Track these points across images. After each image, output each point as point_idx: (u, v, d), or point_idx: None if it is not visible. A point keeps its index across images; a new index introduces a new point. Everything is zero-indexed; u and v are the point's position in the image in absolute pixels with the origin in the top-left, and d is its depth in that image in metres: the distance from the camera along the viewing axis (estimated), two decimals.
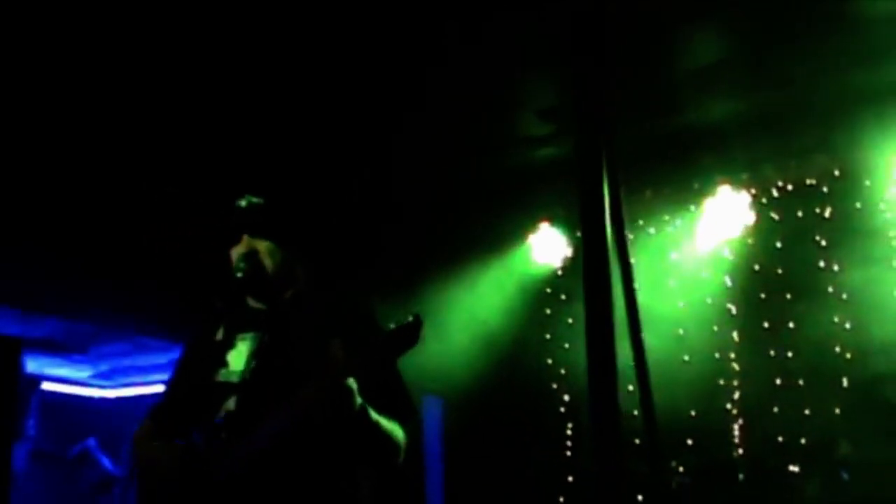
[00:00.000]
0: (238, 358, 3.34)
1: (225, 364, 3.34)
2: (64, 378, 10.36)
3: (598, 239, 1.57)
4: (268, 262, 3.37)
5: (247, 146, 6.66)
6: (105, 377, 10.55)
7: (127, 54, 5.80)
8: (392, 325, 3.01)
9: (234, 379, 3.29)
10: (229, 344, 3.38)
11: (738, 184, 7.76)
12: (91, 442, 7.40)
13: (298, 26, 5.74)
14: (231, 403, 3.25)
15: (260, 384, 3.26)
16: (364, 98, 6.56)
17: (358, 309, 3.45)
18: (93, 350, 9.63)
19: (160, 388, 9.97)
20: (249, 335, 3.39)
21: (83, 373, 10.36)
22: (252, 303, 3.47)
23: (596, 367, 1.50)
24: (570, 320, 8.42)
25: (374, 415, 3.15)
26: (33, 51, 5.67)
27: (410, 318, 3.00)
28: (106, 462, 7.60)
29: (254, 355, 3.32)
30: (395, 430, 3.28)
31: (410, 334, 3.00)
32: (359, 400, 3.06)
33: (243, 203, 3.38)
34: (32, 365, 9.54)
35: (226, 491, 3.11)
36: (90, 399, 10.77)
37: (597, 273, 1.55)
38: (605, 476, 1.45)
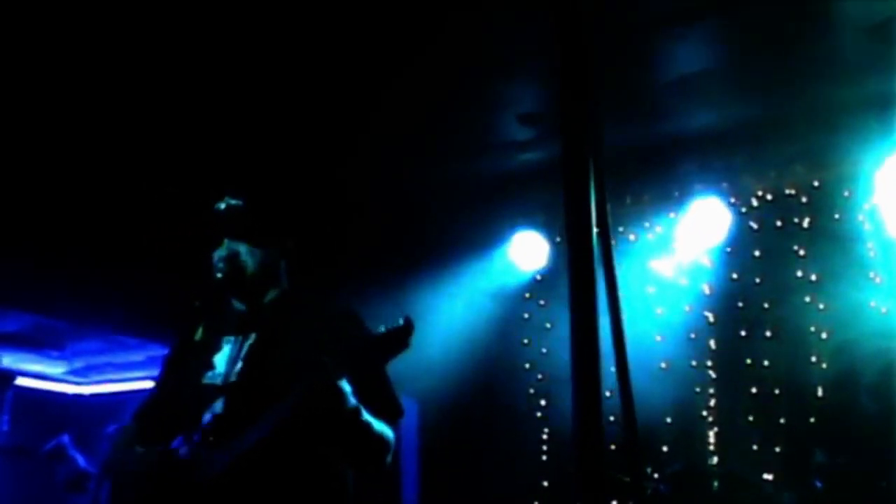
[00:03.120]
0: (223, 361, 3.33)
1: (211, 366, 3.33)
2: (39, 374, 10.31)
3: (584, 246, 1.56)
4: (248, 264, 3.37)
5: (226, 147, 6.64)
6: (80, 374, 10.50)
7: (110, 51, 5.79)
8: (383, 328, 3.00)
9: (220, 381, 3.28)
10: (215, 346, 3.37)
11: (717, 193, 7.78)
12: (65, 438, 7.34)
13: (280, 25, 5.73)
14: (218, 406, 3.24)
15: (246, 386, 3.25)
16: (345, 99, 6.56)
17: (345, 311, 3.44)
18: (69, 346, 9.59)
19: (136, 386, 9.99)
20: (234, 337, 3.39)
21: (58, 369, 10.32)
22: (235, 304, 3.47)
23: (580, 373, 1.49)
24: (547, 325, 8.44)
25: (366, 416, 3.14)
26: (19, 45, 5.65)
27: (401, 321, 2.99)
28: (79, 459, 7.54)
29: (239, 357, 3.32)
30: (385, 430, 3.28)
31: (401, 337, 2.99)
32: (352, 401, 3.05)
33: (223, 205, 3.38)
34: (7, 360, 9.49)
35: (212, 494, 3.09)
36: (65, 395, 10.72)
37: (582, 280, 1.55)
38: (586, 483, 1.45)
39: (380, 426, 3.24)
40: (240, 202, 3.38)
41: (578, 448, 1.44)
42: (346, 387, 3.03)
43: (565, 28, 1.61)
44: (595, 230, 1.55)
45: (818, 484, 6.78)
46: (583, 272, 1.52)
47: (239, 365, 3.30)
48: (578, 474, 1.44)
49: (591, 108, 1.60)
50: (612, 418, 1.65)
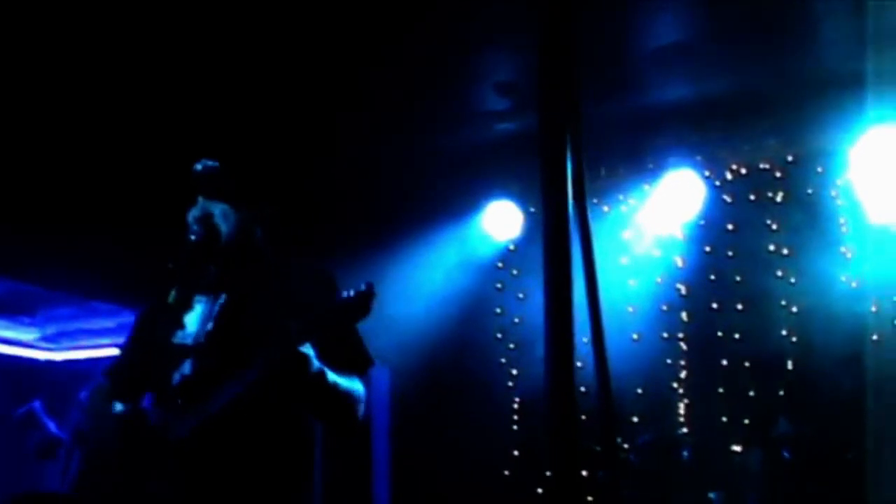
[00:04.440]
0: (194, 320, 3.34)
1: (182, 326, 3.32)
2: (11, 340, 10.28)
3: (560, 217, 1.57)
4: (223, 225, 3.36)
5: (203, 112, 6.61)
6: (52, 340, 10.48)
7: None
8: (344, 294, 3.01)
9: (190, 342, 3.29)
10: (187, 306, 3.37)
11: (691, 165, 7.80)
12: (36, 404, 7.32)
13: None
14: (186, 367, 3.25)
15: (216, 348, 3.26)
16: (322, 68, 6.53)
17: (319, 274, 3.45)
18: (40, 312, 9.57)
19: (108, 352, 9.96)
20: (206, 297, 3.39)
21: (30, 335, 10.29)
22: (209, 266, 3.46)
23: (554, 344, 1.50)
24: (520, 295, 8.45)
25: (332, 376, 3.16)
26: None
27: (363, 287, 3.01)
28: (51, 425, 7.53)
29: (210, 318, 3.32)
30: (354, 385, 3.30)
31: (363, 303, 3.01)
32: (316, 364, 3.07)
33: (199, 166, 3.36)
34: None
35: (178, 455, 3.10)
36: (37, 361, 10.69)
37: (558, 250, 1.55)
38: (559, 457, 1.46)
39: (347, 383, 3.25)
40: (216, 163, 3.37)
41: (550, 418, 1.45)
42: (309, 350, 3.04)
43: None
44: (571, 201, 1.55)
45: (786, 454, 6.86)
46: (558, 243, 1.53)
47: (210, 325, 3.31)
48: (550, 444, 1.45)
49: (569, 79, 1.60)
50: (583, 389, 1.66)
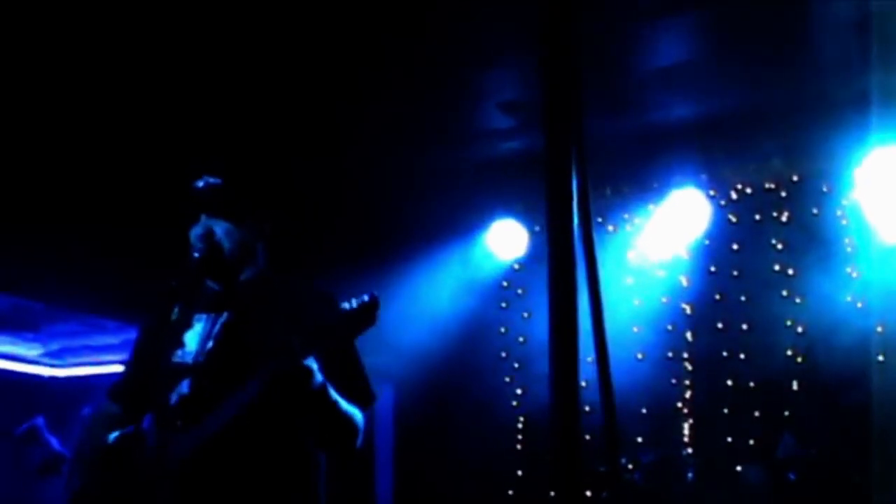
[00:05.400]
0: (194, 339, 3.32)
1: (181, 345, 3.30)
2: (14, 356, 10.28)
3: (565, 236, 1.56)
4: (226, 243, 3.34)
5: (206, 128, 6.61)
6: (56, 356, 10.47)
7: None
8: (347, 304, 3.00)
9: (189, 360, 3.27)
10: (187, 324, 3.35)
11: (696, 185, 7.80)
12: (39, 420, 7.33)
13: (266, 11, 5.71)
14: (184, 386, 3.23)
15: (215, 367, 3.23)
16: (327, 86, 6.53)
17: (318, 292, 3.43)
18: (44, 328, 9.55)
19: (111, 369, 9.95)
20: (206, 315, 3.37)
21: (34, 351, 10.28)
22: (211, 284, 3.45)
23: (558, 364, 1.49)
24: (525, 314, 8.44)
25: (333, 394, 3.14)
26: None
27: (366, 297, 3.00)
28: (53, 441, 7.53)
29: (210, 336, 3.30)
30: (354, 412, 3.27)
31: (368, 313, 3.00)
32: (319, 378, 3.05)
33: (201, 183, 3.35)
34: None
35: (178, 476, 3.08)
36: (40, 377, 10.68)
37: (563, 270, 1.54)
38: (563, 477, 1.44)
39: (348, 407, 3.23)
40: (219, 180, 3.35)
41: (554, 437, 1.44)
42: (312, 364, 3.03)
43: (551, 16, 1.61)
44: (576, 220, 1.55)
45: (791, 476, 6.82)
46: (563, 263, 1.52)
47: (209, 344, 3.28)
48: (554, 464, 1.44)
49: (574, 98, 1.59)
50: (587, 408, 1.65)
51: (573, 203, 1.54)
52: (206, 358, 3.26)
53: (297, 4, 5.64)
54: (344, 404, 3.20)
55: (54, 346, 10.15)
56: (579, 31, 1.65)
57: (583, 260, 1.58)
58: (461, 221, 8.48)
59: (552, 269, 1.52)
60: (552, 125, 1.57)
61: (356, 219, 8.13)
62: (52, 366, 10.68)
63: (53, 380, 10.70)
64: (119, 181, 6.94)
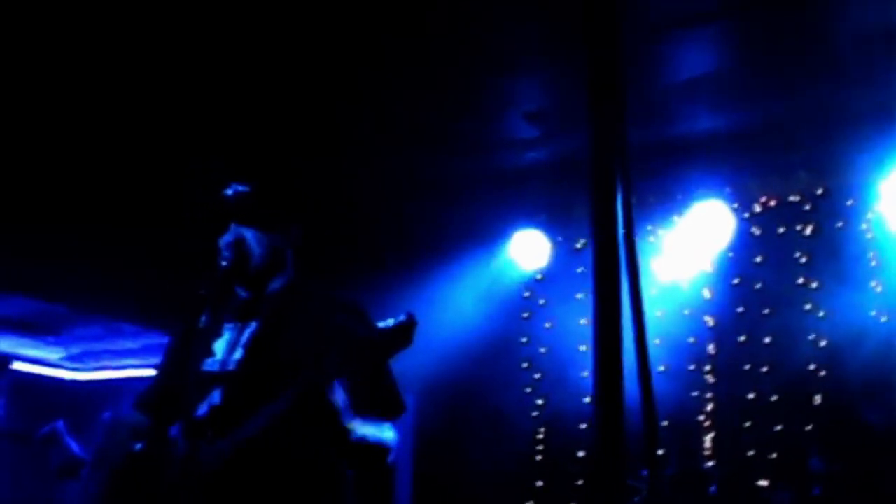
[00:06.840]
0: (222, 347, 3.30)
1: (211, 353, 3.28)
2: (35, 359, 10.32)
3: (611, 248, 1.55)
4: (254, 251, 3.33)
5: (234, 135, 6.62)
6: (77, 359, 10.51)
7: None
8: (383, 324, 2.97)
9: (217, 368, 3.24)
10: (217, 333, 3.33)
11: (720, 197, 7.76)
12: (59, 424, 7.32)
13: (288, 17, 5.71)
14: (216, 396, 3.21)
15: (245, 377, 3.21)
16: (352, 94, 6.54)
17: (349, 304, 3.40)
18: (66, 332, 9.58)
19: (132, 373, 9.98)
20: (235, 324, 3.35)
21: (55, 354, 10.32)
22: (240, 292, 3.43)
23: (603, 374, 1.48)
24: (547, 324, 8.42)
25: (358, 430, 3.11)
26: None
27: (403, 318, 2.96)
28: (73, 445, 7.53)
29: (239, 345, 3.28)
30: (384, 434, 3.24)
31: (404, 334, 2.97)
32: (343, 410, 3.03)
33: (230, 191, 3.34)
34: (4, 344, 9.50)
35: (208, 487, 3.05)
36: (61, 381, 10.72)
37: (608, 282, 1.54)
38: (606, 483, 1.43)
39: (375, 434, 3.18)
40: (247, 188, 3.34)
41: (598, 451, 1.43)
42: (339, 395, 3.01)
43: (595, 27, 1.60)
44: (621, 232, 1.54)
45: (816, 491, 6.77)
46: (608, 274, 1.51)
47: (239, 352, 3.26)
48: (596, 478, 1.42)
49: (618, 109, 1.58)
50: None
51: (618, 216, 1.53)
52: (236, 367, 3.24)
53: (328, 13, 5.65)
54: (371, 434, 3.16)
55: (76, 350, 10.18)
56: (622, 39, 1.65)
57: (626, 271, 1.57)
58: (484, 231, 8.47)
59: (596, 280, 1.51)
60: (596, 138, 1.57)
61: (379, 228, 8.13)
62: (73, 369, 10.72)
63: (75, 383, 10.74)
64: (145, 188, 6.96)
